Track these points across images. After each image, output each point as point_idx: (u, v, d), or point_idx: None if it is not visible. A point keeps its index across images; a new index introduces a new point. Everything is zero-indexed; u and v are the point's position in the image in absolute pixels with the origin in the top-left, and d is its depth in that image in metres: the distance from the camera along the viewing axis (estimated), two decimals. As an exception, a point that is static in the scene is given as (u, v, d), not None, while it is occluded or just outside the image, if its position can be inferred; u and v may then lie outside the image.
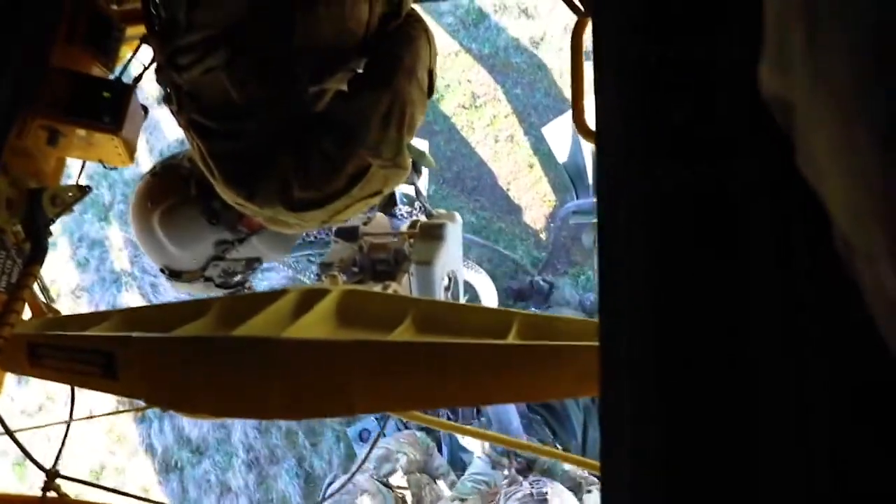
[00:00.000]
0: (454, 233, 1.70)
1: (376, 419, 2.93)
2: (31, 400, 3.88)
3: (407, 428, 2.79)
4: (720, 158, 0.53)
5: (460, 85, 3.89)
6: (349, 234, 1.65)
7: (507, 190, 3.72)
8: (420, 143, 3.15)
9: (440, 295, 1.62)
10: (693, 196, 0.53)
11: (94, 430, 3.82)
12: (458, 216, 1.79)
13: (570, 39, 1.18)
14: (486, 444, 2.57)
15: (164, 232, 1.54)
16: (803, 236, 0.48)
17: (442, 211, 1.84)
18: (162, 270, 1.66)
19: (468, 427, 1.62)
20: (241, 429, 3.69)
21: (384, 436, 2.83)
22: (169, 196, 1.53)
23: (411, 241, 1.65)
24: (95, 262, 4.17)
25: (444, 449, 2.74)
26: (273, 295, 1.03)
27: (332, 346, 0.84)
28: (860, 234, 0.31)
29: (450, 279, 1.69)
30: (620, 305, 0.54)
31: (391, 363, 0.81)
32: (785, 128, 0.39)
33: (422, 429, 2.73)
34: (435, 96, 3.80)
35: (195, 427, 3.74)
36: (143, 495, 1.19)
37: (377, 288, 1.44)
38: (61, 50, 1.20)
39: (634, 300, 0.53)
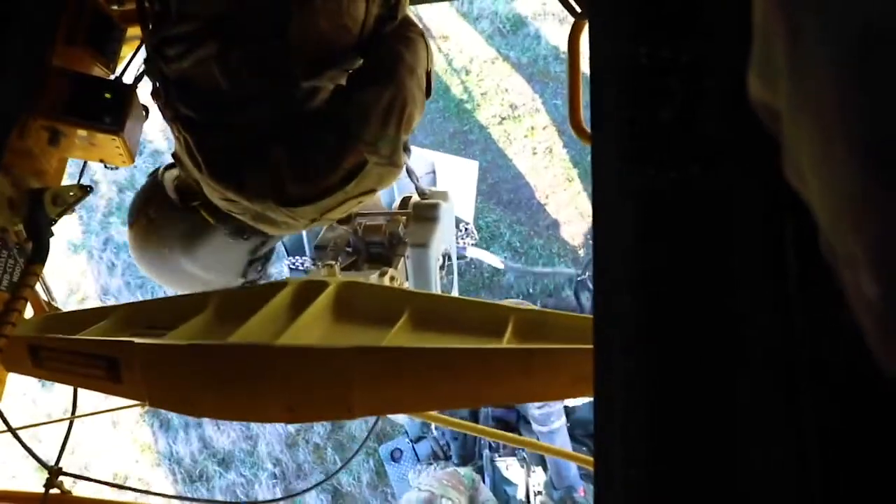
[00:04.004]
0: (448, 212, 1.70)
1: (410, 442, 2.83)
2: (56, 405, 3.88)
3: (446, 459, 2.71)
4: (709, 159, 0.53)
5: (497, 94, 3.76)
6: (342, 218, 1.64)
7: (545, 204, 3.58)
8: (470, 165, 2.99)
9: (435, 274, 1.62)
10: (685, 197, 0.53)
11: (119, 440, 3.82)
12: (450, 195, 1.77)
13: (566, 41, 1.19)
14: (543, 491, 2.49)
15: (196, 266, 1.46)
16: (792, 238, 0.48)
17: (435, 189, 1.82)
18: None
19: (478, 426, 1.63)
20: (267, 442, 3.64)
21: (417, 460, 2.77)
22: (180, 233, 1.44)
23: (405, 220, 1.65)
24: (122, 266, 4.16)
25: (487, 480, 2.65)
26: (271, 289, 1.04)
27: (329, 352, 0.85)
28: (841, 241, 0.32)
29: (444, 258, 1.69)
30: (614, 305, 0.54)
31: (389, 368, 0.82)
32: (773, 133, 0.39)
33: (462, 463, 2.67)
34: (471, 105, 3.74)
35: (222, 439, 3.71)
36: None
37: (374, 274, 1.43)
38: (62, 51, 1.20)
39: (627, 300, 0.54)
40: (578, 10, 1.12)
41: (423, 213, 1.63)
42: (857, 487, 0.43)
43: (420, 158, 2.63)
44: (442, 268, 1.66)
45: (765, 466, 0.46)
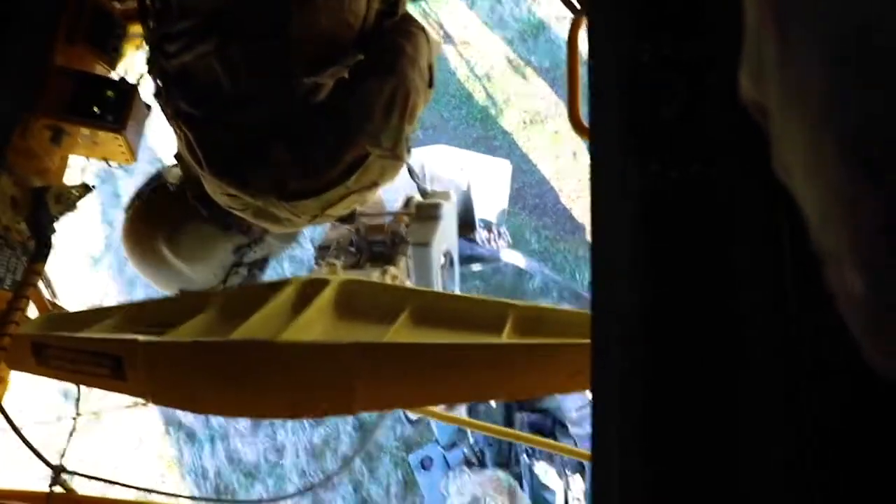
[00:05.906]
0: (450, 212, 1.71)
1: (442, 449, 2.81)
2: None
3: (481, 465, 2.71)
4: (711, 158, 0.53)
5: (520, 99, 3.74)
6: (345, 216, 1.65)
7: (571, 209, 3.55)
8: (503, 165, 2.97)
9: (437, 274, 1.63)
10: (686, 195, 0.53)
11: (144, 456, 3.79)
12: (452, 194, 1.78)
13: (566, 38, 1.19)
14: (582, 498, 2.50)
15: (176, 254, 1.45)
16: (789, 233, 0.48)
17: (437, 189, 1.83)
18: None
19: (468, 419, 1.64)
20: (294, 453, 3.62)
21: (448, 467, 2.76)
22: (169, 217, 1.44)
23: (407, 220, 1.66)
24: (142, 283, 4.13)
25: (525, 486, 2.64)
26: (273, 287, 1.05)
27: (331, 348, 0.85)
28: (828, 237, 0.32)
29: (446, 257, 1.70)
30: (612, 300, 0.54)
31: (389, 364, 0.83)
32: (765, 130, 0.39)
33: (499, 465, 2.67)
34: (494, 110, 3.72)
35: (248, 451, 3.69)
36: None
37: (376, 272, 1.44)
38: (64, 49, 1.20)
39: (625, 295, 0.54)
40: (577, 6, 1.12)
41: (425, 212, 1.64)
42: (857, 487, 0.43)
43: (450, 157, 2.62)
44: (444, 267, 1.67)
45: (765, 466, 0.46)
